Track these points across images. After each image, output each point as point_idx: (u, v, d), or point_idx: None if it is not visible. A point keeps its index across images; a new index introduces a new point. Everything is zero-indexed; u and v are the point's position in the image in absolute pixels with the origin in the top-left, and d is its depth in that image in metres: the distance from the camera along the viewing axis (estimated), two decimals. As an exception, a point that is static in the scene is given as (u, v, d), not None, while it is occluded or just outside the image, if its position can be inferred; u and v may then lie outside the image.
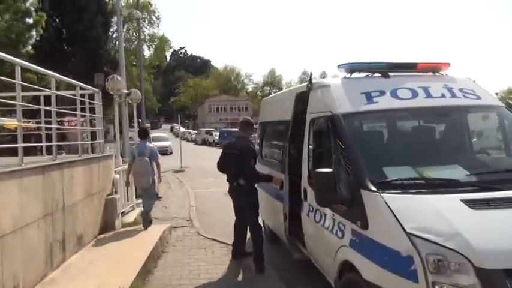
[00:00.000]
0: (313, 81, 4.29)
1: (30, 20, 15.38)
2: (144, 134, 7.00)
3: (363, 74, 4.08)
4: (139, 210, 8.34)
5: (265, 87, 79.33)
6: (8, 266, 3.56)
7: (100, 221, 6.23)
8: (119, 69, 11.67)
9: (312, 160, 4.11)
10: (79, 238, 5.35)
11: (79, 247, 5.33)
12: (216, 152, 6.60)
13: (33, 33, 16.03)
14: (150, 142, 7.44)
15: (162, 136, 30.63)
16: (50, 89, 5.07)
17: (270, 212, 5.64)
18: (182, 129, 39.82)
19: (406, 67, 4.11)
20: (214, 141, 36.13)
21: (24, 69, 4.47)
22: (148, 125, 17.35)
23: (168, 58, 75.07)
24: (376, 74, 4.03)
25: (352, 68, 4.04)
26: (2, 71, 7.63)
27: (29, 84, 4.99)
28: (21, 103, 4.11)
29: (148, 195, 6.83)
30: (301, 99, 4.64)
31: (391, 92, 3.70)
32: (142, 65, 17.46)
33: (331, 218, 3.52)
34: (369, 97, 3.67)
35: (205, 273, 4.93)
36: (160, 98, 69.40)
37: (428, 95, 3.73)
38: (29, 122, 7.20)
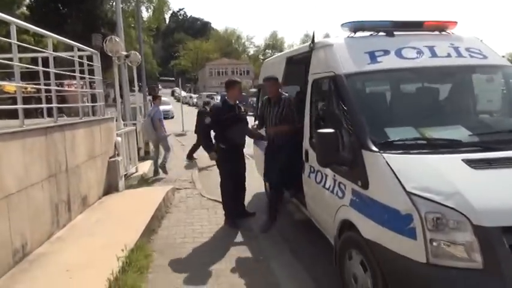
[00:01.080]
0: (316, 41, 4.19)
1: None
2: (153, 99, 9.03)
3: (367, 33, 3.97)
4: (142, 172, 8.47)
5: (266, 50, 77.89)
6: (15, 224, 3.65)
7: (104, 182, 6.32)
8: (116, 31, 11.37)
9: (314, 121, 4.09)
10: (83, 199, 5.45)
11: (84, 208, 5.44)
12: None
13: (28, -7, 15.51)
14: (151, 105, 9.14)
15: (163, 100, 30.37)
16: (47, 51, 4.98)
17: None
18: (183, 93, 39.47)
19: (412, 26, 3.99)
20: (215, 105, 35.76)
21: (21, 31, 4.37)
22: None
23: (167, 20, 73.22)
24: (381, 33, 3.92)
25: (356, 26, 3.92)
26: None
27: (26, 45, 4.88)
28: (18, 63, 4.04)
29: (164, 148, 8.56)
30: (303, 59, 4.56)
31: (396, 52, 3.62)
32: (140, 26, 17.01)
33: (332, 178, 3.55)
34: (372, 56, 3.59)
35: (209, 233, 5.06)
36: (160, 61, 68.38)
37: (434, 55, 3.65)
38: (28, 84, 7.13)
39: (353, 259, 3.13)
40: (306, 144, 4.25)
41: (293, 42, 74.99)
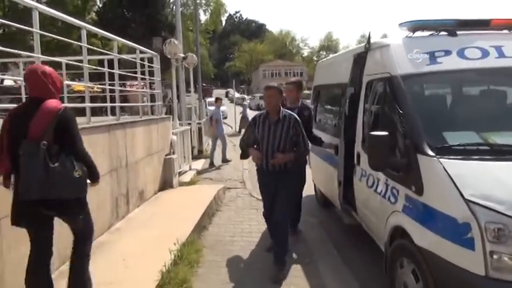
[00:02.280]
0: (372, 41, 4.09)
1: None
2: (215, 101, 11.37)
3: (427, 33, 3.80)
4: (195, 171, 8.77)
5: (321, 52, 76.98)
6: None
7: (159, 178, 6.63)
8: (175, 34, 11.86)
9: (367, 124, 3.99)
10: (141, 193, 5.76)
11: (141, 202, 5.75)
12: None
13: (97, 0, 16.71)
14: (206, 106, 10.20)
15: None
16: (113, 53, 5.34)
17: (323, 177, 5.62)
18: (237, 95, 40.19)
19: (477, 24, 3.74)
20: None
21: (90, 35, 4.72)
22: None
23: (223, 22, 75.03)
24: (442, 33, 3.73)
25: (416, 26, 3.75)
26: (70, 37, 8.09)
27: (94, 48, 5.27)
28: (87, 65, 4.38)
29: (222, 142, 10.51)
30: (359, 60, 4.46)
31: (458, 52, 3.42)
32: (198, 29, 17.60)
33: (384, 182, 3.44)
34: (432, 57, 3.43)
35: (257, 232, 5.12)
36: (215, 63, 70.18)
37: (501, 55, 3.40)
38: (95, 84, 7.68)
39: (404, 267, 3.01)
40: (358, 146, 4.16)
41: (348, 44, 73.37)
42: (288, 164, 3.90)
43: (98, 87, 8.64)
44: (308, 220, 5.44)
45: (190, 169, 8.76)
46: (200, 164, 9.95)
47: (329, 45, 77.08)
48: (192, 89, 11.11)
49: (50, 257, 2.78)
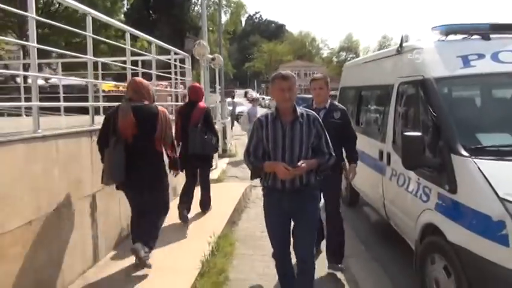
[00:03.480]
0: (404, 44, 4.19)
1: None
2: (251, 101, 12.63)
3: (459, 37, 3.89)
4: (221, 169, 8.99)
5: (341, 53, 76.53)
6: (123, 205, 4.19)
7: (189, 175, 6.85)
8: (201, 35, 12.13)
9: (399, 125, 4.10)
10: (173, 189, 5.99)
11: (174, 197, 5.98)
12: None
13: (125, 2, 17.22)
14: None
15: (237, 101, 31.49)
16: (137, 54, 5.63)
17: (363, 181, 5.19)
18: (255, 95, 40.43)
19: (510, 28, 3.82)
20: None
21: (117, 36, 4.99)
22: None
23: (243, 23, 75.49)
24: (475, 36, 3.81)
25: (449, 29, 3.85)
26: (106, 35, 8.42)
27: (137, 50, 5.55)
28: (130, 66, 4.64)
29: None
30: (390, 63, 4.57)
31: (492, 55, 3.51)
32: (221, 30, 17.90)
33: (416, 181, 3.55)
34: (465, 61, 3.52)
35: (286, 228, 5.27)
36: (235, 63, 70.65)
37: (535, 58, 3.47)
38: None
39: (436, 264, 3.12)
40: (388, 147, 4.27)
41: (369, 45, 72.71)
42: (311, 177, 2.88)
43: (123, 87, 8.97)
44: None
45: (215, 167, 8.98)
46: (224, 162, 10.18)
47: (349, 46, 76.51)
48: (217, 88, 11.38)
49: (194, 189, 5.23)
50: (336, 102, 4.27)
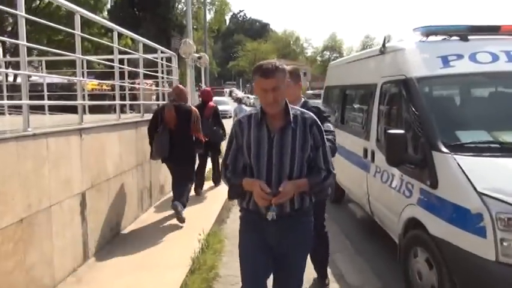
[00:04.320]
0: (387, 44, 4.33)
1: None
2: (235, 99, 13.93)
3: (439, 38, 4.04)
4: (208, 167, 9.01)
5: (324, 52, 77.04)
6: (112, 204, 4.22)
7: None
8: (185, 33, 12.11)
9: (382, 123, 4.23)
10: (161, 187, 6.03)
11: (161, 196, 6.02)
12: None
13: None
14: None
15: (221, 100, 31.32)
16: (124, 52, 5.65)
17: (348, 177, 5.37)
18: (240, 94, 40.32)
19: (488, 30, 3.98)
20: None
21: (101, 33, 4.99)
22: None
23: (227, 21, 75.19)
24: (454, 38, 3.97)
25: (429, 31, 3.99)
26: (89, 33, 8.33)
27: (124, 48, 5.54)
28: (118, 65, 4.65)
29: None
30: (373, 63, 4.70)
31: (470, 56, 3.66)
32: (207, 28, 17.88)
33: (399, 178, 3.68)
34: (445, 61, 3.67)
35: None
36: (219, 62, 70.39)
37: (511, 59, 3.64)
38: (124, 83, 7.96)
39: (418, 257, 3.25)
40: (372, 145, 4.40)
41: (352, 45, 73.54)
42: (305, 200, 2.22)
43: (106, 86, 8.91)
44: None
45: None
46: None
47: (333, 46, 77.11)
48: (203, 86, 11.38)
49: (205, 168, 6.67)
50: (311, 101, 3.55)
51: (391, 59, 4.18)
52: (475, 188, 2.75)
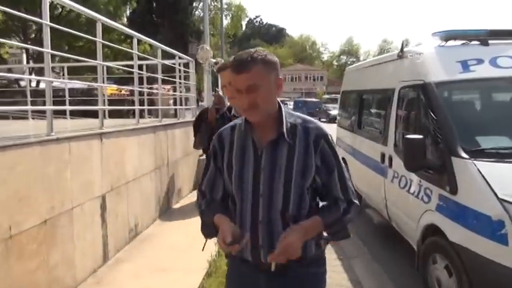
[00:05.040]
0: (405, 49, 4.30)
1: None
2: None
3: (459, 42, 3.99)
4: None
5: (341, 56, 76.71)
6: (131, 207, 4.30)
7: (194, 178, 6.97)
8: (203, 39, 12.26)
9: (400, 128, 4.19)
10: (179, 190, 6.11)
11: (178, 198, 6.09)
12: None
13: (127, 6, 17.36)
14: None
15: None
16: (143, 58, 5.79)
17: (367, 183, 5.24)
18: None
19: (508, 34, 3.91)
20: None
21: (120, 39, 5.11)
22: None
23: (244, 27, 75.71)
24: (474, 42, 3.92)
25: (448, 35, 3.96)
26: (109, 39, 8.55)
27: (143, 55, 5.66)
28: (137, 70, 4.76)
29: None
30: (391, 67, 4.67)
31: (490, 61, 3.61)
32: (223, 34, 18.07)
33: (418, 183, 3.64)
34: (465, 65, 3.62)
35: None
36: (235, 67, 70.62)
37: (532, 64, 3.57)
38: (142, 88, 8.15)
39: (437, 263, 3.20)
40: (390, 150, 4.36)
41: (369, 49, 73.01)
42: (310, 246, 1.60)
43: (125, 91, 9.10)
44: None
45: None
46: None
47: (350, 50, 76.71)
48: (220, 92, 11.52)
49: None
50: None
51: (410, 64, 4.15)
52: (495, 194, 2.71)
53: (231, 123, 1.70)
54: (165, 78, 6.21)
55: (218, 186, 1.66)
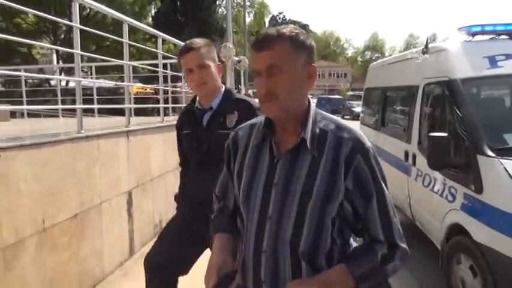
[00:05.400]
0: (430, 45, 4.22)
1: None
2: None
3: (486, 37, 3.89)
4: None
5: (366, 52, 75.46)
6: (156, 203, 4.43)
7: (216, 175, 7.08)
8: (226, 37, 12.37)
9: (424, 126, 4.13)
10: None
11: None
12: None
13: (152, 5, 17.71)
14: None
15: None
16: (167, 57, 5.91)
17: (390, 182, 5.25)
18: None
19: (540, 28, 3.80)
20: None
21: (145, 39, 5.25)
22: None
23: (267, 23, 75.68)
24: (502, 37, 3.81)
25: (475, 30, 3.87)
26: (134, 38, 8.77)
27: (167, 54, 5.80)
28: (162, 70, 4.88)
29: None
30: (415, 64, 4.60)
31: (520, 56, 3.51)
32: (246, 31, 18.16)
33: (442, 182, 3.58)
34: (492, 61, 3.53)
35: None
36: (258, 64, 70.72)
37: None
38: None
39: (462, 263, 3.15)
40: (413, 148, 4.31)
41: (395, 45, 71.46)
42: None
43: (150, 89, 9.33)
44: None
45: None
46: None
47: (374, 46, 75.34)
48: (242, 90, 11.60)
49: None
50: (242, 95, 2.41)
51: (434, 60, 4.07)
52: (522, 193, 2.65)
53: (252, 121, 1.33)
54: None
55: (230, 193, 1.35)
